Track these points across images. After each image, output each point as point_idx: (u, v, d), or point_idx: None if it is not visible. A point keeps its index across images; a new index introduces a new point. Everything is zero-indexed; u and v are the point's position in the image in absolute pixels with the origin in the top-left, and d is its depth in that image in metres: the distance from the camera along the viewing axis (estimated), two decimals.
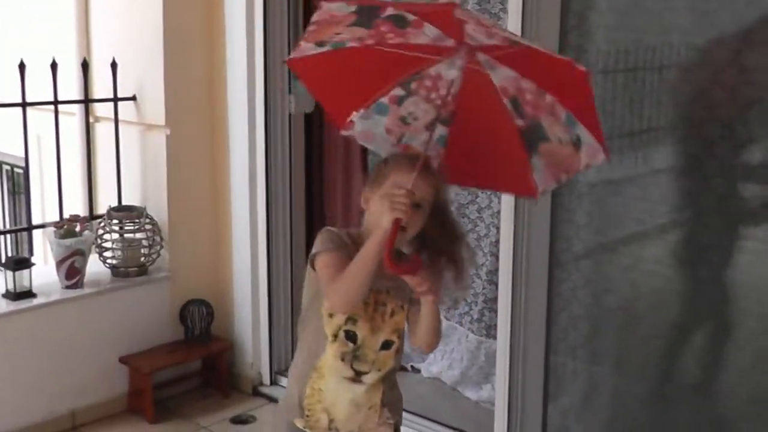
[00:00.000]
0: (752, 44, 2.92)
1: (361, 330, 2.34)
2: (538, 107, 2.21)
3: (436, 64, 2.25)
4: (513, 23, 3.26)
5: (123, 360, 4.28)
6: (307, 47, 2.24)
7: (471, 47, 2.15)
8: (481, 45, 2.14)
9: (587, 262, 3.41)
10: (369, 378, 2.37)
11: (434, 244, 2.36)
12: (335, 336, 2.34)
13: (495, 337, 3.67)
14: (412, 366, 4.67)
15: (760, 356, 3.06)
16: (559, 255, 3.35)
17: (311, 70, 2.38)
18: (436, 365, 4.54)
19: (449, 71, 2.23)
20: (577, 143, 2.23)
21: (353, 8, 2.14)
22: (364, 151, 4.59)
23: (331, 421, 2.43)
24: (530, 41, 2.36)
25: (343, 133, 2.45)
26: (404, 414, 3.90)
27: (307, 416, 2.44)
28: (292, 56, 2.29)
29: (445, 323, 4.55)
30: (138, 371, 4.24)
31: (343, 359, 2.35)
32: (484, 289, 4.25)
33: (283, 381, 4.51)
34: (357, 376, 2.36)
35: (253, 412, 4.35)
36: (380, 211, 2.19)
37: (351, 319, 2.33)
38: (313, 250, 2.35)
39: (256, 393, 4.53)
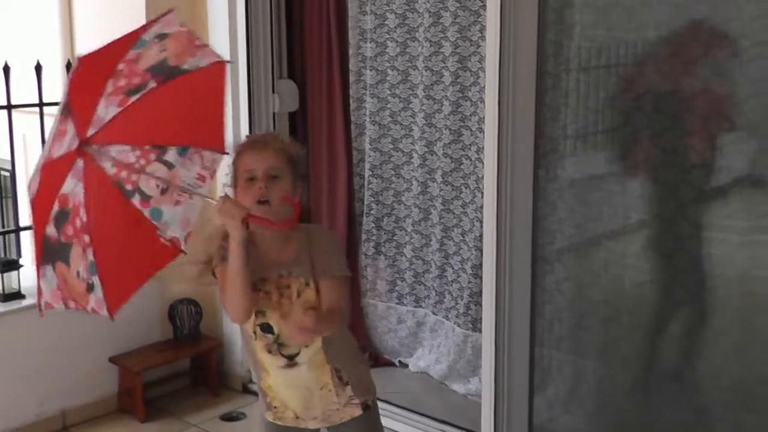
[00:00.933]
0: (725, 38, 2.96)
1: (272, 319, 2.40)
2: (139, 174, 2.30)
3: (63, 182, 2.26)
4: (491, 21, 3.29)
5: (113, 360, 4.30)
6: (93, 301, 2.32)
7: (85, 140, 2.20)
8: (100, 127, 2.21)
9: (570, 256, 3.44)
10: (302, 358, 2.42)
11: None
12: (255, 332, 2.42)
13: (481, 331, 3.71)
14: (399, 361, 4.70)
15: (741, 344, 3.10)
16: (542, 249, 3.39)
17: (118, 294, 2.39)
18: (424, 360, 4.58)
19: (74, 186, 2.25)
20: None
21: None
22: (349, 150, 4.62)
23: (294, 411, 2.50)
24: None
25: (185, 248, 2.44)
26: (393, 408, 3.98)
27: (275, 408, 2.53)
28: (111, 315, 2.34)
29: (432, 318, 4.59)
30: (128, 371, 4.27)
31: (270, 351, 2.42)
32: (469, 283, 4.29)
33: None
34: (290, 361, 2.41)
35: (243, 409, 4.38)
36: (242, 201, 2.32)
37: (260, 312, 2.40)
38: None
39: (246, 390, 4.55)
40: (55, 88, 4.46)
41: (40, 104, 4.24)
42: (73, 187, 2.24)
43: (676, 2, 3.03)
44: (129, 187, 2.30)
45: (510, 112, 3.30)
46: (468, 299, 4.31)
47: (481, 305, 3.66)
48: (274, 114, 4.43)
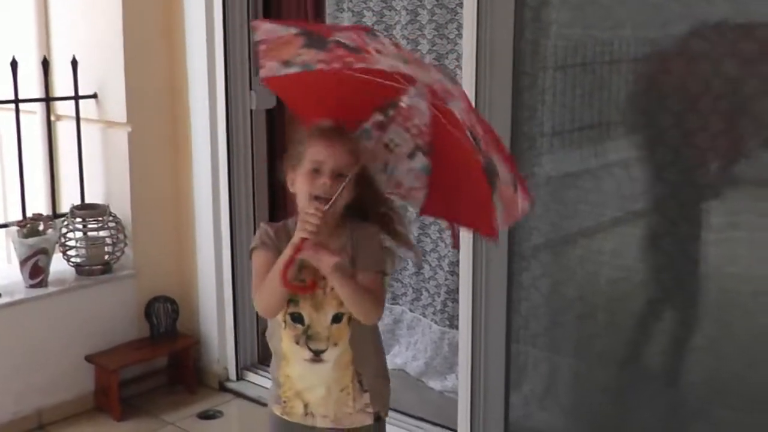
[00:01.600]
0: (700, 34, 2.99)
1: (305, 309, 2.38)
2: (487, 143, 2.23)
3: (405, 93, 2.26)
4: (468, 19, 3.30)
5: (89, 358, 4.28)
6: (273, 66, 2.18)
7: (425, 83, 2.20)
8: (432, 80, 2.20)
9: (546, 253, 3.46)
10: (328, 355, 2.40)
11: (364, 209, 2.43)
12: (284, 321, 2.40)
13: (458, 328, 3.72)
14: None
15: (718, 340, 3.13)
16: (519, 245, 3.40)
17: (290, 90, 2.39)
18: (401, 356, 4.59)
19: (419, 102, 2.27)
20: (514, 185, 2.27)
21: (294, 31, 2.17)
22: None
23: (305, 405, 2.47)
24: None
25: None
26: None
27: (284, 402, 2.49)
28: (264, 75, 2.22)
29: (409, 315, 4.60)
30: (104, 369, 4.25)
31: (297, 342, 2.40)
32: (446, 280, 4.30)
33: (249, 376, 4.55)
34: (316, 356, 2.39)
35: (220, 407, 4.37)
36: (300, 189, 2.31)
37: (292, 302, 2.37)
38: (251, 245, 2.46)
39: (223, 388, 4.55)
40: (31, 85, 4.45)
41: (16, 100, 4.22)
42: (412, 101, 2.26)
43: (651, 1, 3.06)
44: (392, 113, 2.32)
45: (487, 110, 3.31)
46: (445, 296, 4.33)
47: (457, 302, 3.67)
48: (251, 111, 4.43)
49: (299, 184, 2.34)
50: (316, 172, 2.30)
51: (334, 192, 2.27)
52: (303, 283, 2.35)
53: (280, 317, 2.40)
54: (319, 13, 4.50)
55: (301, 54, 2.15)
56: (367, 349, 2.48)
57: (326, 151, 2.30)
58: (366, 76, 2.19)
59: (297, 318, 2.39)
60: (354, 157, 2.32)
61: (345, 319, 2.39)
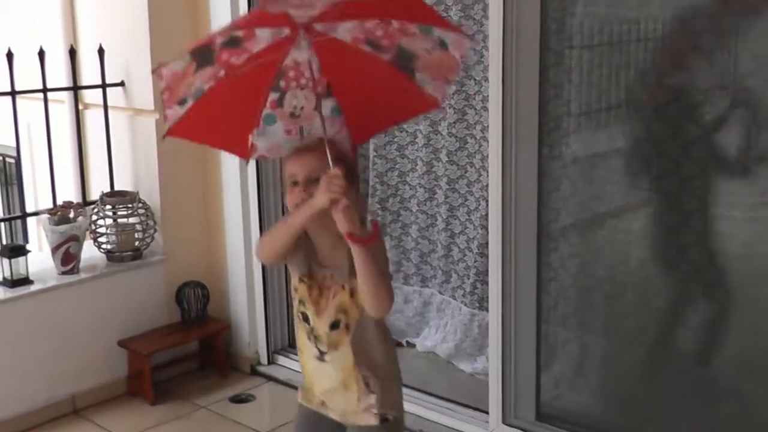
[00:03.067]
0: (727, 10, 2.96)
1: (309, 311, 2.48)
2: (391, 36, 2.31)
3: (287, 56, 2.31)
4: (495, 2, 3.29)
5: (121, 343, 4.32)
6: (174, 113, 2.34)
7: (304, 24, 2.22)
8: (311, 18, 2.22)
9: (575, 233, 3.45)
10: (329, 357, 2.47)
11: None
12: (299, 317, 2.51)
13: (488, 310, 3.72)
14: (407, 341, 4.71)
15: (748, 319, 3.12)
16: (547, 226, 3.39)
17: (192, 128, 2.43)
18: (431, 339, 4.59)
19: (301, 54, 2.30)
20: (443, 45, 2.35)
21: (188, 57, 2.23)
22: None
23: (319, 396, 2.55)
24: None
25: (253, 159, 2.55)
26: None
27: (305, 389, 2.59)
28: (168, 127, 2.37)
29: (438, 297, 4.60)
30: (136, 354, 4.29)
31: (309, 338, 2.50)
32: (475, 262, 4.29)
33: (281, 360, 4.57)
34: (321, 355, 2.48)
35: (252, 391, 4.39)
36: (289, 204, 2.41)
37: (302, 302, 2.49)
38: None
39: (254, 372, 4.57)
40: (58, 74, 4.48)
41: (44, 90, 4.25)
42: (296, 57, 2.30)
43: None
44: (282, 84, 2.35)
45: (514, 90, 3.30)
46: (474, 278, 4.32)
47: (487, 284, 3.67)
48: None
49: (288, 200, 2.44)
50: (294, 184, 2.40)
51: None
52: (309, 290, 2.46)
53: (296, 312, 2.52)
54: None
55: (193, 82, 2.25)
56: (372, 353, 2.50)
57: (297, 162, 2.40)
58: (248, 67, 2.24)
59: (305, 317, 2.49)
60: (327, 157, 2.33)
61: (342, 326, 2.45)
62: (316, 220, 2.33)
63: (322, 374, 2.51)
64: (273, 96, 2.38)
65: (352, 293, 2.41)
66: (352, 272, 2.36)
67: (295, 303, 2.52)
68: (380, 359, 2.53)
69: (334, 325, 2.44)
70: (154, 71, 2.30)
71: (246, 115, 2.41)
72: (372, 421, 2.51)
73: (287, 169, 2.43)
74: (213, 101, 2.31)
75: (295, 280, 2.50)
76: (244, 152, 2.49)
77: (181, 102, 2.31)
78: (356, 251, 2.27)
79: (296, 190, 2.39)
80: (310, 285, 2.46)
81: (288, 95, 2.38)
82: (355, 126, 2.47)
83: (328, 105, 2.41)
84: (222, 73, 2.24)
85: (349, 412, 2.52)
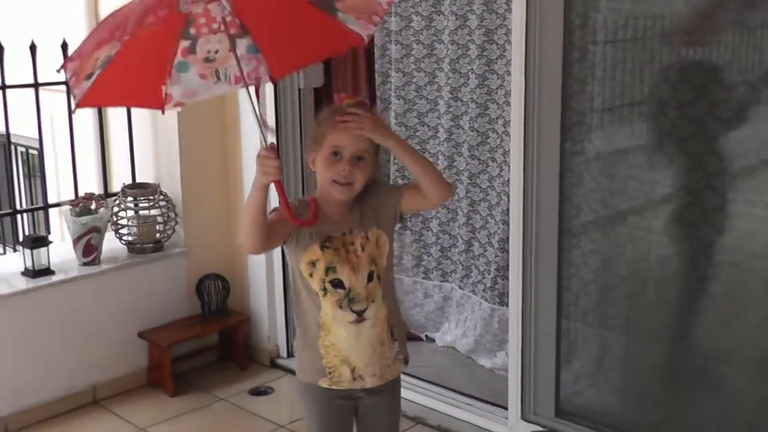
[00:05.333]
0: (753, 5, 2.93)
1: (343, 274, 2.44)
2: None
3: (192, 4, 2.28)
4: None
5: (141, 335, 4.34)
6: (81, 88, 2.32)
7: None
8: None
9: (596, 229, 3.43)
10: (369, 313, 2.46)
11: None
12: (324, 290, 2.45)
13: (508, 305, 3.71)
14: (426, 335, 4.71)
15: (765, 316, 3.09)
16: (569, 222, 3.38)
17: (102, 94, 2.42)
18: (450, 334, 4.58)
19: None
20: None
21: (91, 45, 2.28)
22: None
23: (353, 370, 2.51)
24: None
25: (168, 108, 2.48)
26: (420, 382, 4.00)
27: (330, 373, 2.52)
28: (77, 102, 2.35)
29: (458, 292, 4.59)
30: (156, 345, 4.30)
31: (341, 306, 2.45)
32: (496, 257, 4.28)
33: None
34: (359, 317, 2.46)
35: (271, 383, 4.40)
36: (320, 172, 2.41)
37: (330, 269, 2.44)
38: None
39: (274, 365, 4.58)
40: None
41: (67, 82, 4.25)
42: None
43: None
44: (193, 31, 2.32)
45: (536, 85, 3.28)
46: (495, 273, 4.31)
47: (507, 279, 3.66)
48: (299, 90, 4.43)
49: (319, 168, 2.42)
50: (335, 155, 2.37)
51: (353, 177, 2.37)
52: (336, 252, 2.43)
53: (317, 286, 2.46)
54: None
55: (99, 56, 2.25)
56: (394, 300, 2.60)
57: (346, 136, 2.36)
58: (147, 23, 2.20)
59: (337, 284, 2.44)
60: (368, 139, 2.37)
61: (376, 276, 2.47)
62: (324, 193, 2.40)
63: (360, 339, 2.48)
64: (184, 44, 2.33)
65: (377, 242, 2.46)
66: (365, 222, 2.43)
67: (317, 277, 2.45)
68: (396, 306, 2.61)
69: (371, 277, 2.45)
70: (58, 70, 2.36)
71: (156, 68, 2.37)
72: (402, 367, 2.58)
73: (330, 139, 2.38)
74: (121, 64, 2.28)
75: (310, 255, 2.44)
76: (158, 104, 2.44)
77: (88, 76, 2.29)
78: (394, 150, 2.41)
79: (338, 163, 2.36)
80: (335, 247, 2.43)
81: (201, 41, 2.33)
82: (274, 62, 2.44)
83: (243, 44, 2.37)
84: (126, 38, 2.21)
85: (386, 367, 2.53)
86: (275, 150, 2.32)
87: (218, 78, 2.43)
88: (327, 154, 2.38)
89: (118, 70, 2.29)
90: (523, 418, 3.57)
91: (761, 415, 3.15)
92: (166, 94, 2.41)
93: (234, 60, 2.33)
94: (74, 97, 2.36)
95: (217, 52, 2.37)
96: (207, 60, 2.38)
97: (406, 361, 2.60)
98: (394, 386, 2.63)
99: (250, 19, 2.35)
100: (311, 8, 2.36)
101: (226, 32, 2.32)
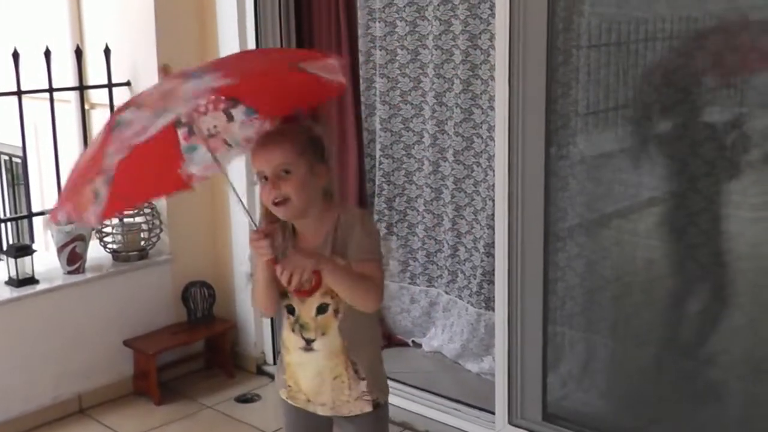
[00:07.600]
0: (737, 10, 2.95)
1: (293, 301, 2.44)
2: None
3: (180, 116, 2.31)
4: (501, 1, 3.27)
5: (127, 343, 4.32)
6: (91, 210, 2.24)
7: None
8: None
9: (582, 233, 3.44)
10: (318, 345, 2.44)
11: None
12: (284, 311, 2.48)
13: (494, 309, 3.71)
14: (413, 341, 4.70)
15: (755, 320, 3.10)
16: (554, 225, 3.38)
17: (121, 203, 2.47)
18: (437, 339, 4.58)
19: (198, 98, 2.27)
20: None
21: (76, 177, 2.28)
22: (359, 130, 4.60)
23: (305, 393, 2.52)
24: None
25: (193, 186, 2.48)
26: (407, 388, 3.99)
27: (289, 386, 2.55)
28: (98, 222, 2.48)
29: (444, 297, 4.59)
30: (142, 354, 4.29)
31: (293, 330, 2.47)
32: (482, 262, 4.28)
33: None
34: (308, 345, 2.45)
35: (258, 390, 4.39)
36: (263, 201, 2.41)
37: (285, 294, 2.44)
38: None
39: (260, 372, 4.57)
40: (65, 74, 4.48)
41: (50, 89, 4.25)
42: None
43: None
44: (184, 120, 2.34)
45: (521, 89, 3.29)
46: (481, 278, 4.31)
47: (493, 284, 3.66)
48: None
49: (262, 197, 2.40)
50: (265, 180, 2.36)
51: (284, 193, 2.32)
52: (306, 286, 2.36)
53: (282, 307, 2.49)
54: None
55: (94, 178, 2.22)
56: (361, 337, 2.48)
57: (263, 156, 2.36)
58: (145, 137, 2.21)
59: (290, 309, 2.46)
60: (295, 146, 2.34)
61: (330, 309, 2.41)
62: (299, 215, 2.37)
63: (309, 366, 2.47)
64: (182, 131, 2.35)
65: None
66: (334, 251, 2.37)
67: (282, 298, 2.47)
68: (368, 344, 2.53)
69: (321, 309, 2.41)
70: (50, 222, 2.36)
71: (166, 159, 2.38)
72: (366, 408, 2.50)
73: (254, 165, 2.38)
74: (128, 172, 2.24)
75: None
76: (183, 185, 2.45)
77: (96, 197, 2.23)
78: (327, 277, 2.31)
79: (266, 186, 2.35)
80: (308, 279, 2.35)
81: (196, 123, 2.34)
82: (274, 114, 2.44)
83: (240, 111, 2.38)
84: (124, 154, 2.20)
85: (340, 402, 2.49)
86: (262, 232, 2.35)
87: (230, 145, 2.44)
88: (259, 180, 2.38)
89: (127, 179, 2.27)
90: (510, 422, 3.57)
91: (748, 416, 3.16)
92: (188, 174, 2.42)
93: (236, 127, 2.37)
94: (89, 223, 2.35)
95: (216, 126, 2.39)
96: (210, 136, 2.39)
97: (375, 404, 2.50)
98: (367, 420, 2.52)
99: (234, 90, 2.33)
100: (284, 68, 2.41)
101: (216, 109, 2.35)
